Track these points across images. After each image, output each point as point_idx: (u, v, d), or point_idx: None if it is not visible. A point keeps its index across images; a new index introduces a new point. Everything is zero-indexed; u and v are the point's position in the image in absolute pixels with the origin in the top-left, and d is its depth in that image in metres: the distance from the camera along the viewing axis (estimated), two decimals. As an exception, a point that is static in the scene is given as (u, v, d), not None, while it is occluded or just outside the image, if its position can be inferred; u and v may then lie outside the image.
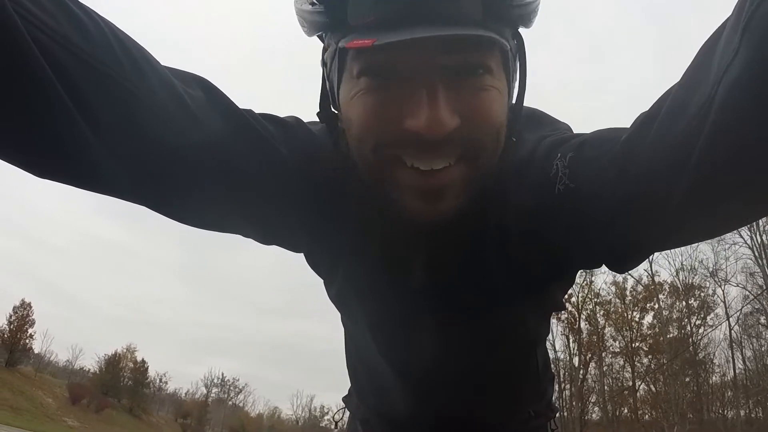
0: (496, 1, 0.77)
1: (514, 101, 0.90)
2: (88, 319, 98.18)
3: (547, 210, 0.86)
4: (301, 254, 1.10)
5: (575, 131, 0.99)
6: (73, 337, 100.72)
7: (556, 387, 1.60)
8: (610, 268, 0.89)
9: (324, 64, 0.90)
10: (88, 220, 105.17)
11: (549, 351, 1.39)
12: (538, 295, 1.06)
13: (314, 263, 1.11)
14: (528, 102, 0.93)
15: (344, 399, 1.51)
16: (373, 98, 0.81)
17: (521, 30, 0.88)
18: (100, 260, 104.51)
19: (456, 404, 1.20)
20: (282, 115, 0.99)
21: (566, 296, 1.24)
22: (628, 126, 0.82)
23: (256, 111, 0.92)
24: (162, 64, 0.81)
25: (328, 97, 0.92)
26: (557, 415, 1.47)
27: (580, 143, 0.87)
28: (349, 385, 1.43)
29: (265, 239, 0.99)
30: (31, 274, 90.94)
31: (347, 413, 1.54)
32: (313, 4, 0.81)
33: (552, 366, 1.46)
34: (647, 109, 0.77)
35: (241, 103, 0.90)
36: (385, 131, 0.81)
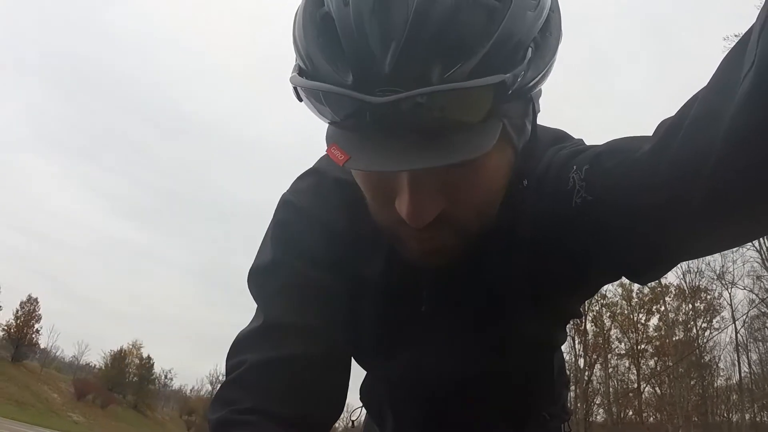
0: (500, 97, 0.68)
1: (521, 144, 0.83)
2: (99, 317, 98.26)
3: (565, 224, 0.85)
4: None
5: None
6: (82, 333, 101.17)
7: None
8: (631, 279, 0.88)
9: None
10: (103, 220, 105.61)
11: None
12: (554, 309, 1.05)
13: None
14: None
15: (360, 398, 1.52)
16: (364, 177, 0.83)
17: None
18: (113, 259, 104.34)
19: (470, 411, 1.21)
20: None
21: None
22: (644, 134, 0.81)
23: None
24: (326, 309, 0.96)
25: None
26: (571, 417, 1.47)
27: (595, 155, 0.85)
28: (359, 382, 1.44)
29: None
30: (44, 272, 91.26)
31: (364, 411, 1.56)
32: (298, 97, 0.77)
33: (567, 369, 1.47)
34: (672, 115, 0.74)
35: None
36: (380, 205, 0.83)
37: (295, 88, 0.75)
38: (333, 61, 0.69)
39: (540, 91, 0.81)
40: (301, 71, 0.74)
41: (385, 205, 0.81)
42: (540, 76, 0.73)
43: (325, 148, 0.75)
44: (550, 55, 0.75)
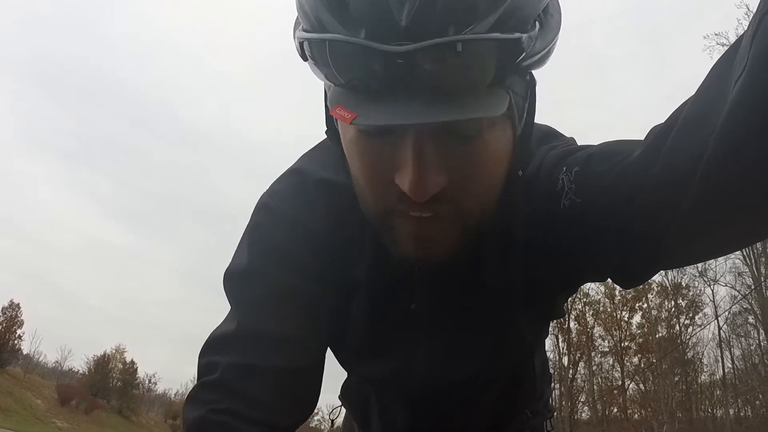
0: (512, 60, 0.67)
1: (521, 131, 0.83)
2: (82, 320, 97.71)
3: (553, 225, 0.85)
4: None
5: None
6: (65, 337, 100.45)
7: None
8: (617, 282, 0.88)
9: (324, 90, 0.85)
10: (92, 223, 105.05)
11: (539, 351, 1.39)
12: (540, 307, 1.04)
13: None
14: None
15: (340, 397, 1.50)
16: (365, 150, 0.78)
17: None
18: (99, 262, 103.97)
19: (457, 410, 1.20)
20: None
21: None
22: (637, 138, 0.80)
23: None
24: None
25: (333, 119, 0.87)
26: (554, 415, 1.47)
27: (586, 156, 0.84)
28: (339, 384, 1.42)
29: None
30: (27, 275, 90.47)
31: (343, 411, 1.54)
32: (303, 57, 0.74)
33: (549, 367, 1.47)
34: (662, 121, 0.74)
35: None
36: (378, 185, 0.79)
37: (300, 45, 0.71)
38: (342, 19, 0.66)
39: (536, 80, 0.81)
40: (306, 31, 0.71)
41: (382, 185, 0.78)
42: (545, 51, 0.73)
43: (328, 110, 0.74)
44: (552, 35, 0.74)
